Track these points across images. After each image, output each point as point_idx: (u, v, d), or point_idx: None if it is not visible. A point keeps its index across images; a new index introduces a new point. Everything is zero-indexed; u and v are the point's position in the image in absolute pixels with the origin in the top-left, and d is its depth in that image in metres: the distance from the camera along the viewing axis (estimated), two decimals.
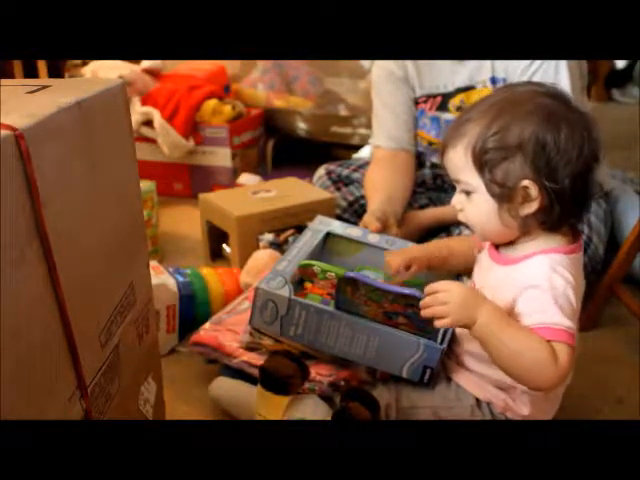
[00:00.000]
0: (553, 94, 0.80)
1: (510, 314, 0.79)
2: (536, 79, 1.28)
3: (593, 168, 0.79)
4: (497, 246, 0.88)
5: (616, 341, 1.28)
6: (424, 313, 0.80)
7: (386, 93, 1.48)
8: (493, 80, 1.36)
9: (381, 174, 1.44)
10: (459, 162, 0.82)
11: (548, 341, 0.74)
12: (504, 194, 0.79)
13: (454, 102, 1.41)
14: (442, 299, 0.78)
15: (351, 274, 0.90)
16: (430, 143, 1.47)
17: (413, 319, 0.90)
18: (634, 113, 2.61)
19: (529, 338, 0.75)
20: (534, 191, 0.78)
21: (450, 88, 1.41)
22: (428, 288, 0.80)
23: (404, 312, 0.90)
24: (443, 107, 1.43)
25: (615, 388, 1.14)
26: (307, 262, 1.02)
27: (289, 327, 0.95)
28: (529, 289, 0.78)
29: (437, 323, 0.79)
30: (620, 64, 3.33)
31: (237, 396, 1.03)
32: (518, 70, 1.31)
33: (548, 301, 0.77)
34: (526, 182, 0.78)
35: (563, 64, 1.29)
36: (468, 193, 0.83)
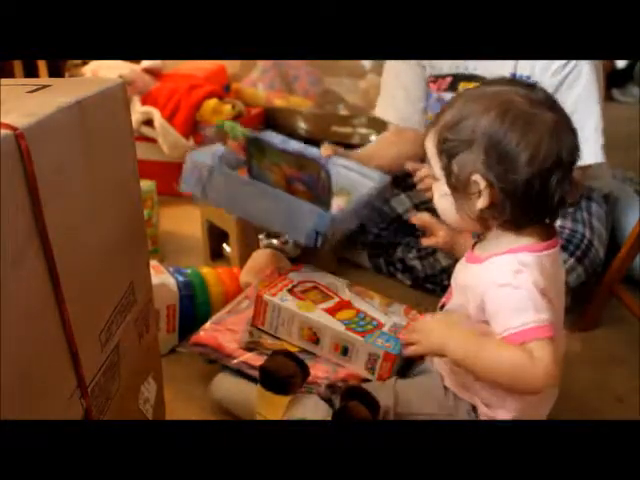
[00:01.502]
0: (527, 94, 0.79)
1: (480, 313, 0.81)
2: (570, 81, 1.25)
3: (554, 172, 0.77)
4: (474, 245, 0.89)
5: (616, 341, 1.28)
6: (402, 339, 0.91)
7: (399, 69, 1.46)
8: (513, 77, 1.34)
9: (385, 147, 1.44)
10: (429, 149, 0.84)
11: (521, 344, 0.76)
12: (458, 186, 0.81)
13: (466, 86, 1.37)
14: (414, 328, 0.87)
15: (255, 134, 0.95)
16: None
17: (311, 186, 0.95)
18: (634, 113, 2.60)
19: (500, 348, 0.78)
20: (482, 186, 0.78)
21: (463, 70, 1.38)
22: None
23: (301, 178, 0.94)
24: (452, 88, 1.40)
25: (615, 388, 1.14)
26: (220, 121, 1.11)
27: (211, 192, 1.08)
28: (494, 288, 0.79)
29: (407, 351, 0.88)
30: (620, 64, 3.33)
31: (238, 394, 1.03)
32: (548, 72, 1.27)
33: (513, 300, 0.78)
34: (475, 176, 0.79)
35: (591, 65, 1.27)
36: (435, 180, 0.85)
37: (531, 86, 0.81)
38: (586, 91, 1.25)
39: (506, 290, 0.78)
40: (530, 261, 0.79)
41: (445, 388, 0.92)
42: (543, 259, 0.80)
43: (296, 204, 1.03)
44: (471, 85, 1.36)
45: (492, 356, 0.78)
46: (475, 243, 0.89)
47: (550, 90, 1.06)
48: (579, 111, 1.20)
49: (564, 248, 1.28)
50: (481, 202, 0.80)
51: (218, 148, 1.15)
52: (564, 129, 0.78)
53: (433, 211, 1.52)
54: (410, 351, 0.87)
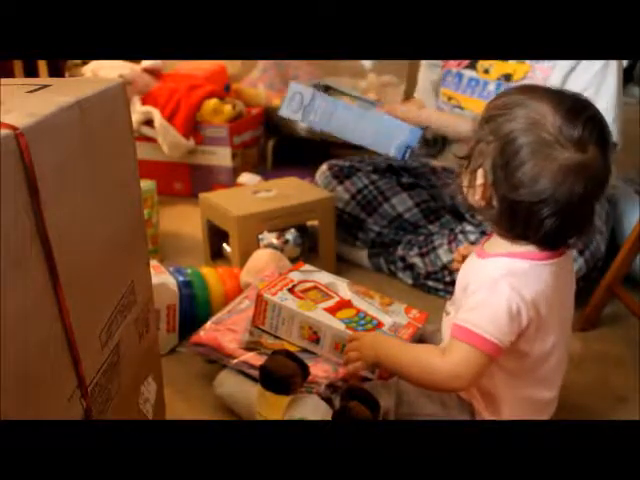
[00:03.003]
0: (562, 125, 0.75)
1: (461, 293, 0.85)
2: (581, 72, 1.29)
3: (545, 207, 0.76)
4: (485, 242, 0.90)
5: (616, 341, 1.28)
6: (344, 359, 0.94)
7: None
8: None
9: None
10: None
11: (453, 337, 0.80)
12: (469, 170, 0.83)
13: (484, 63, 1.42)
14: (351, 347, 0.92)
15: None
16: (449, 98, 1.48)
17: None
18: (634, 113, 2.60)
19: (416, 348, 0.89)
20: (479, 182, 0.81)
21: None
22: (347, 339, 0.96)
23: None
24: (471, 65, 1.44)
25: (615, 388, 1.14)
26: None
27: (309, 114, 1.32)
28: (478, 283, 0.82)
29: (350, 367, 0.92)
30: None
31: (241, 392, 1.03)
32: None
33: (479, 302, 0.80)
34: (480, 170, 0.81)
35: (612, 63, 1.29)
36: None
37: (577, 118, 0.75)
38: (602, 72, 1.28)
39: (482, 291, 0.80)
40: (522, 269, 0.80)
41: None
42: (541, 268, 0.80)
43: (389, 121, 1.30)
44: (488, 62, 1.41)
45: (409, 354, 0.86)
46: (486, 240, 0.90)
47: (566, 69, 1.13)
48: (592, 87, 1.27)
49: None
50: (476, 193, 0.82)
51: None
52: (582, 174, 0.75)
53: (433, 210, 1.54)
54: (353, 368, 0.91)
